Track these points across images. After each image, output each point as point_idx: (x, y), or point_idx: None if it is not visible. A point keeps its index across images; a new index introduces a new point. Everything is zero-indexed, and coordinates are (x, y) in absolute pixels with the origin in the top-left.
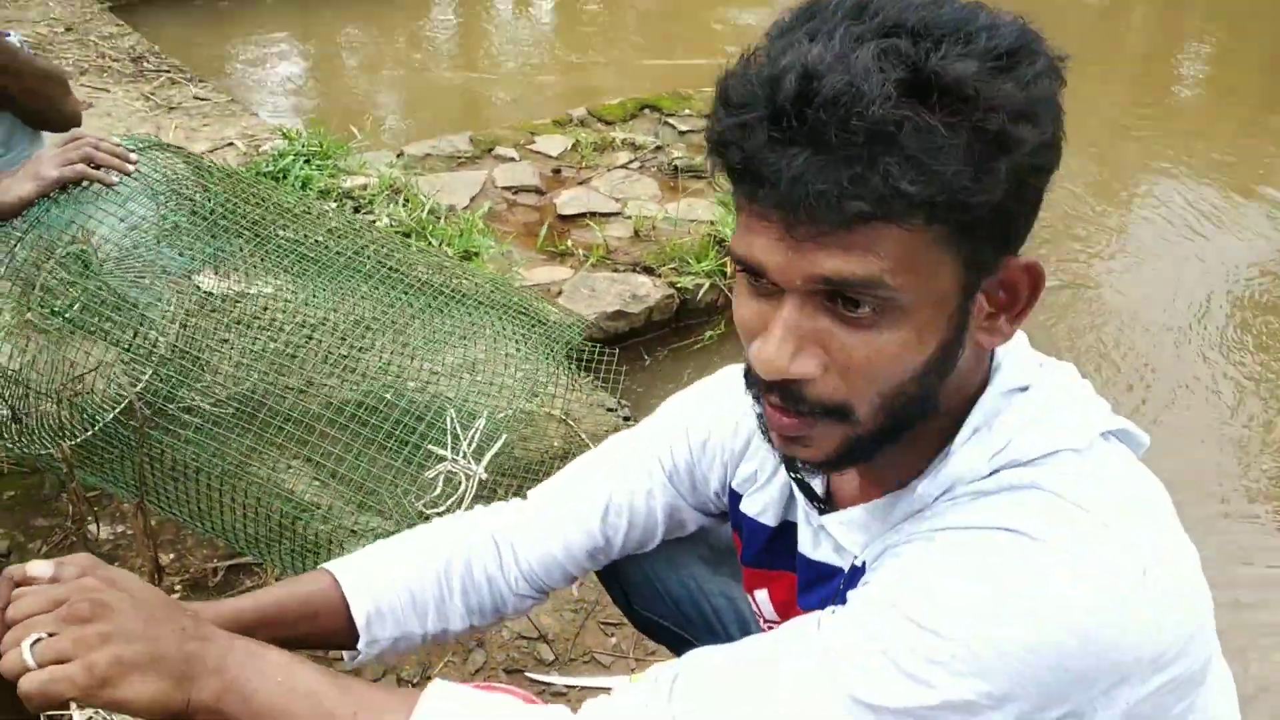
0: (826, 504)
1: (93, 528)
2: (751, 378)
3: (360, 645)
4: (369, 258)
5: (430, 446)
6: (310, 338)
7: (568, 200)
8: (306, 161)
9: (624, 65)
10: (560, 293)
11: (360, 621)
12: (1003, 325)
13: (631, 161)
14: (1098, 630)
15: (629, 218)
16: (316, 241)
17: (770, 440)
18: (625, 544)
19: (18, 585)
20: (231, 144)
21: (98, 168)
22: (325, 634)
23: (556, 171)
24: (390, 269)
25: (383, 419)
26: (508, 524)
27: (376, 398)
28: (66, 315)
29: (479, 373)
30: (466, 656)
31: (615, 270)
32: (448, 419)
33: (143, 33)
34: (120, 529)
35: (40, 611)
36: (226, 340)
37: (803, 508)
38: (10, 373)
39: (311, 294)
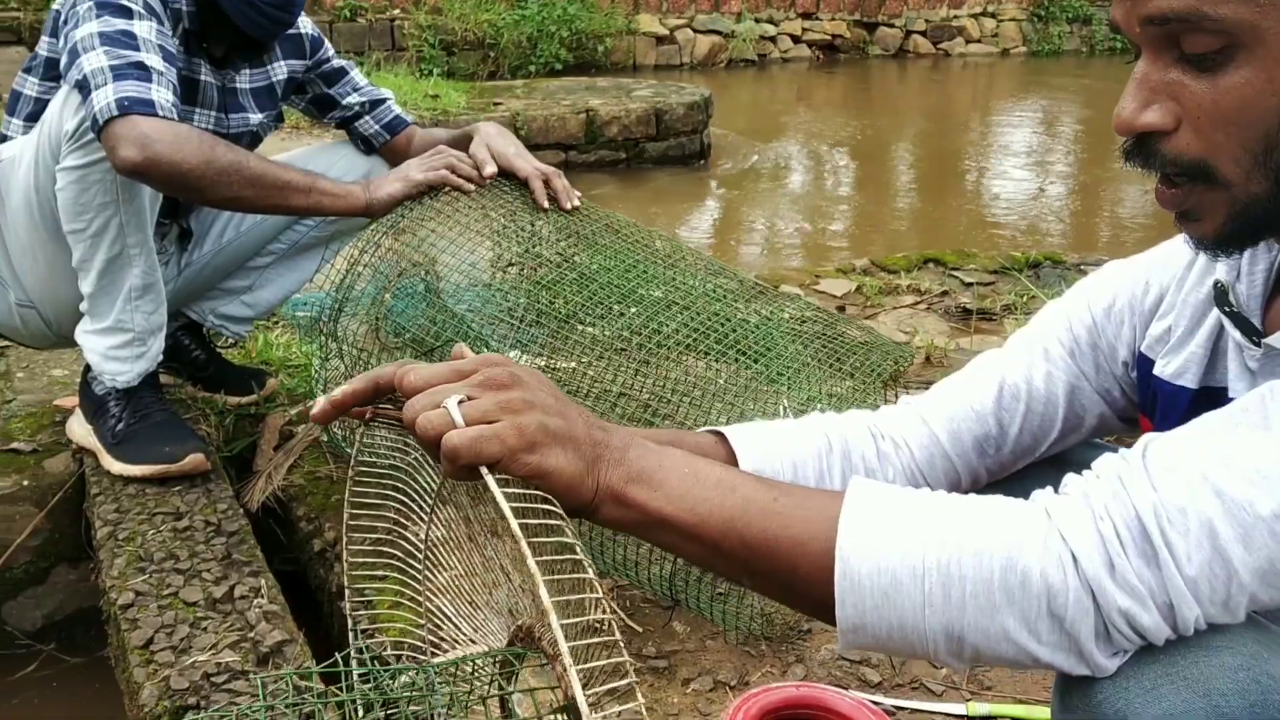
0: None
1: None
2: (1128, 155)
3: None
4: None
5: None
6: (614, 406)
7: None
8: None
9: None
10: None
11: None
12: None
13: (918, 303)
14: None
15: (920, 347)
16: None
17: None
18: (1020, 434)
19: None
20: None
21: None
22: None
23: (841, 309)
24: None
25: None
26: (888, 418)
27: None
28: (411, 334)
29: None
30: (785, 670)
31: (906, 389)
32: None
33: None
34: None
35: (446, 380)
36: None
37: (1235, 348)
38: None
39: (620, 366)
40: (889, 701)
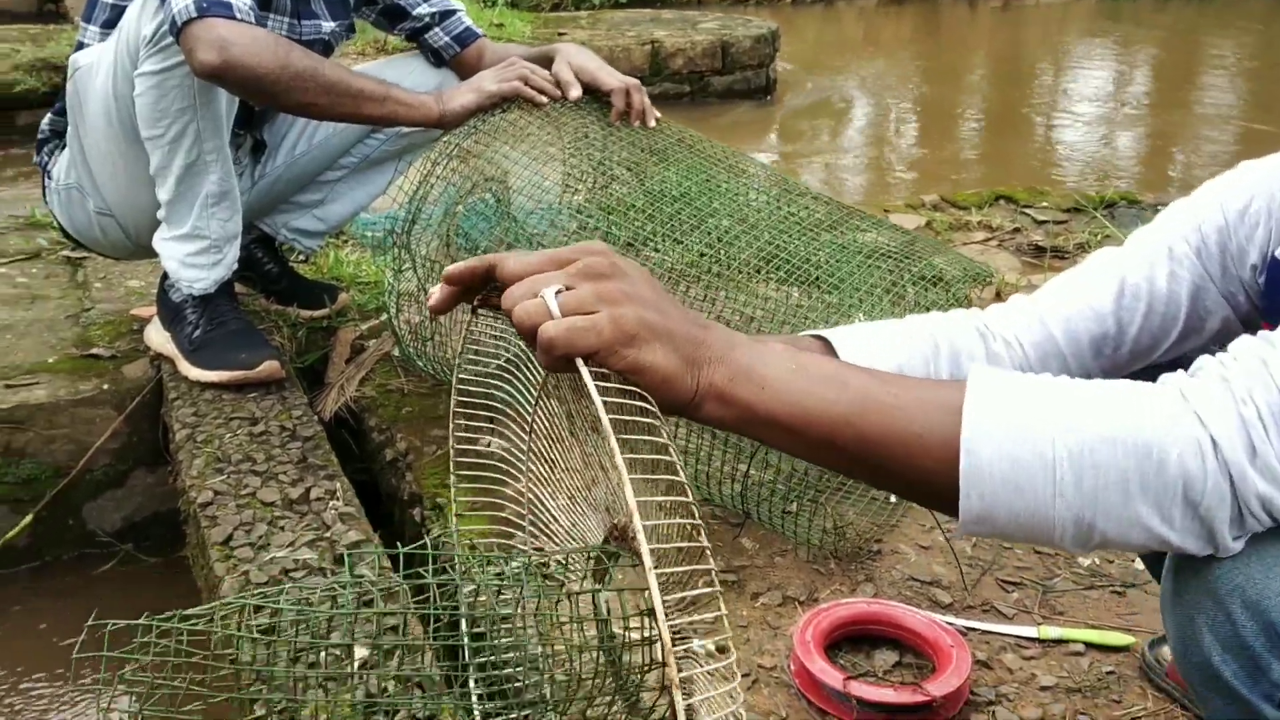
0: None
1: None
2: None
3: None
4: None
5: None
6: None
7: None
8: None
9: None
10: None
11: None
12: None
13: (989, 240)
14: None
15: (992, 282)
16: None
17: None
18: (1140, 334)
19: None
20: None
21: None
22: None
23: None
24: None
25: None
26: (999, 316)
27: None
28: (483, 249)
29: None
30: (855, 588)
31: None
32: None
33: None
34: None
35: (544, 268)
36: None
37: None
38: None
39: (688, 292)
40: (960, 622)
